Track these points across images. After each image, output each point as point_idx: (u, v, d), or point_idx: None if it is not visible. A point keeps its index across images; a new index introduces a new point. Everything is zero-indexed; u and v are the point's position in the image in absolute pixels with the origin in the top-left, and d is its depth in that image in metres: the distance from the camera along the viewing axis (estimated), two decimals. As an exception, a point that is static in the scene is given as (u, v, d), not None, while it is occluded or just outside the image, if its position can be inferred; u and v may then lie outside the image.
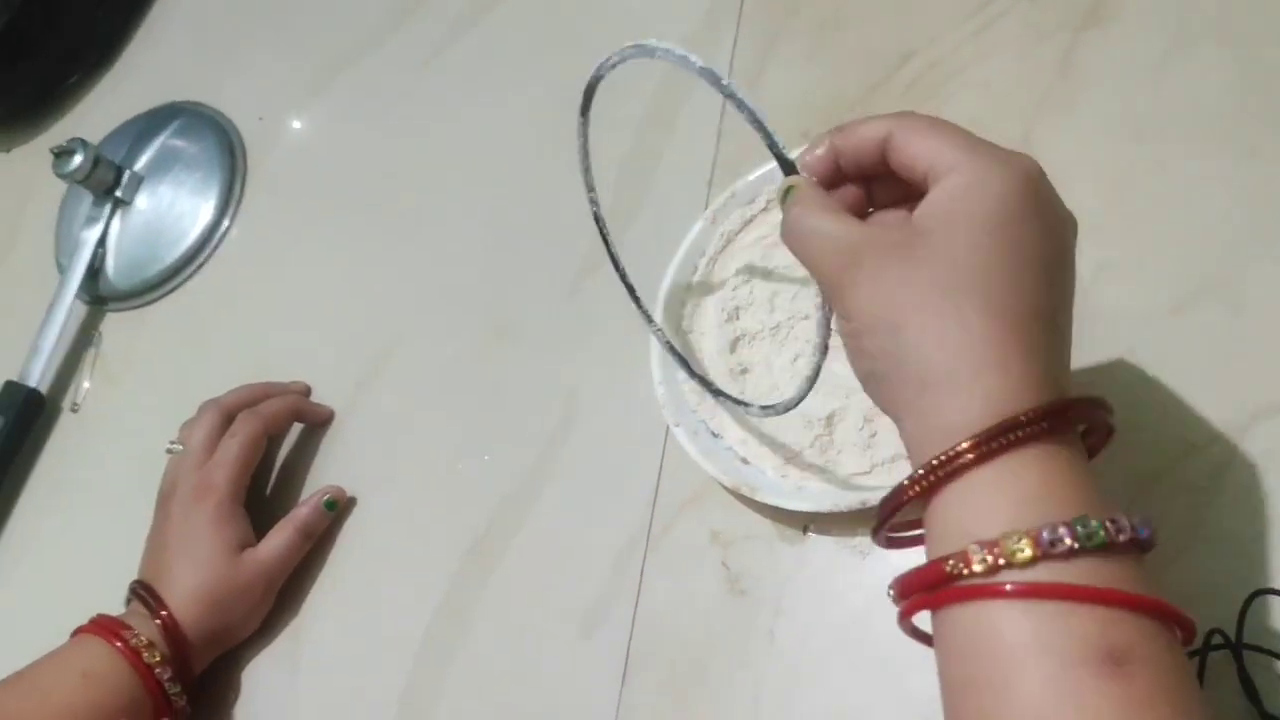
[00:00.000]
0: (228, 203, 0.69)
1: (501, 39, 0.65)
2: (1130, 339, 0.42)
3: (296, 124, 0.71)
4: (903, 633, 0.30)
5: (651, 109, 0.58)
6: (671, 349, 0.47)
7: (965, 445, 0.27)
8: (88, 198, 0.70)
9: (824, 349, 0.38)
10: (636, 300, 0.48)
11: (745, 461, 0.46)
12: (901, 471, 0.42)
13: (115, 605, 0.51)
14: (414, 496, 0.54)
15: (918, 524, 0.30)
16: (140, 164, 0.71)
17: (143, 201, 0.70)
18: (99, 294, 0.69)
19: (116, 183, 0.70)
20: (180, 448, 0.55)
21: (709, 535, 0.46)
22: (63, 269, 0.70)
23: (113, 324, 0.69)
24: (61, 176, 0.68)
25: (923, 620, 0.30)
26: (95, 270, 0.69)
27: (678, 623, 0.45)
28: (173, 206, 0.70)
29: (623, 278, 0.48)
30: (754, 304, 0.49)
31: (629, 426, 0.50)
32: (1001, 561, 0.26)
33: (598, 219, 0.48)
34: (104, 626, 0.49)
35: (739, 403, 0.45)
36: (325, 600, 0.53)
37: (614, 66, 0.42)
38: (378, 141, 0.66)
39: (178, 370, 0.65)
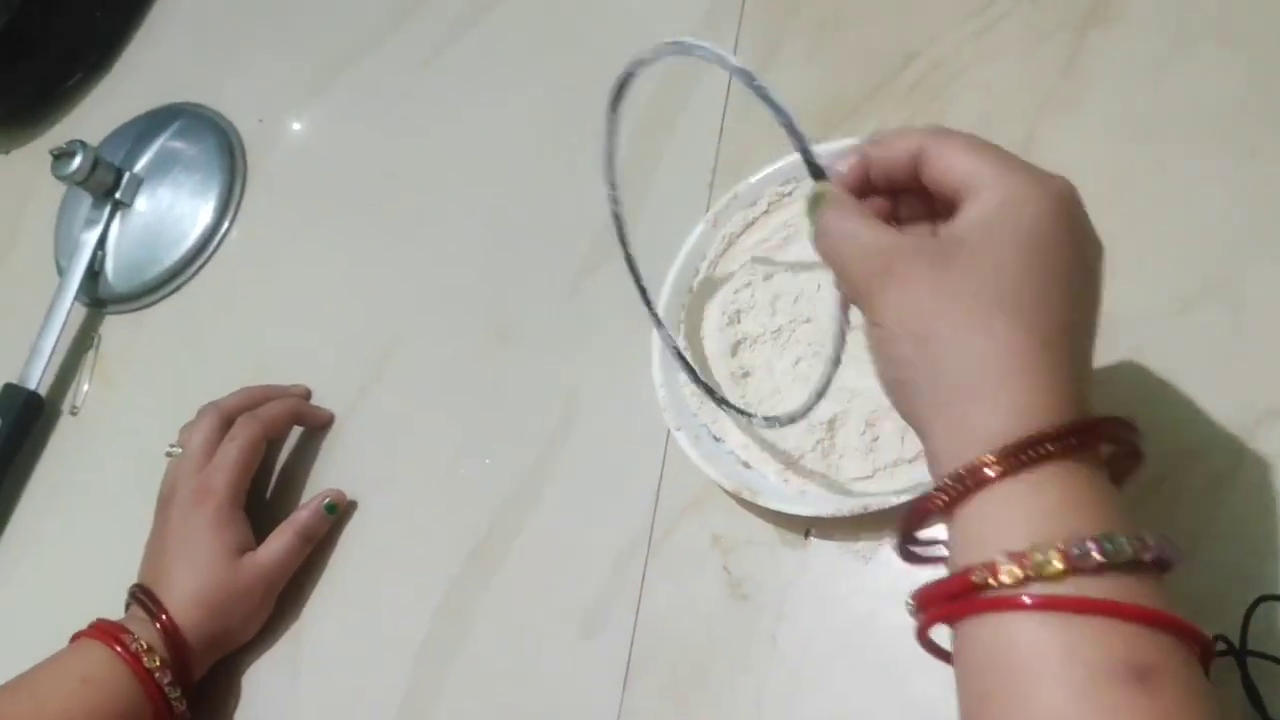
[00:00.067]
0: (227, 204, 0.68)
1: (501, 39, 0.65)
2: (1132, 341, 0.41)
3: (296, 125, 0.71)
4: (921, 647, 0.30)
5: (652, 110, 0.58)
6: (679, 355, 0.47)
7: (993, 457, 0.27)
8: (87, 199, 0.70)
9: (837, 361, 0.38)
10: (648, 303, 0.48)
11: (747, 465, 0.46)
12: (903, 476, 0.43)
13: (115, 609, 0.51)
14: (414, 500, 0.54)
15: (936, 542, 0.30)
16: (140, 166, 0.71)
17: (142, 203, 0.70)
18: (98, 296, 0.69)
19: (116, 184, 0.69)
20: (180, 451, 0.55)
21: (710, 539, 0.46)
22: (62, 271, 0.70)
23: (112, 326, 0.69)
24: (61, 178, 0.67)
25: (937, 635, 0.30)
26: (95, 272, 0.69)
27: (679, 627, 0.45)
28: (172, 208, 0.69)
29: (636, 280, 0.47)
30: (755, 307, 0.49)
31: (630, 429, 0.50)
32: (1030, 574, 0.26)
33: (617, 218, 0.47)
34: (104, 631, 0.49)
35: (742, 413, 0.45)
36: (325, 604, 0.53)
37: (648, 63, 0.41)
38: (377, 142, 0.66)
39: (177, 373, 0.65)
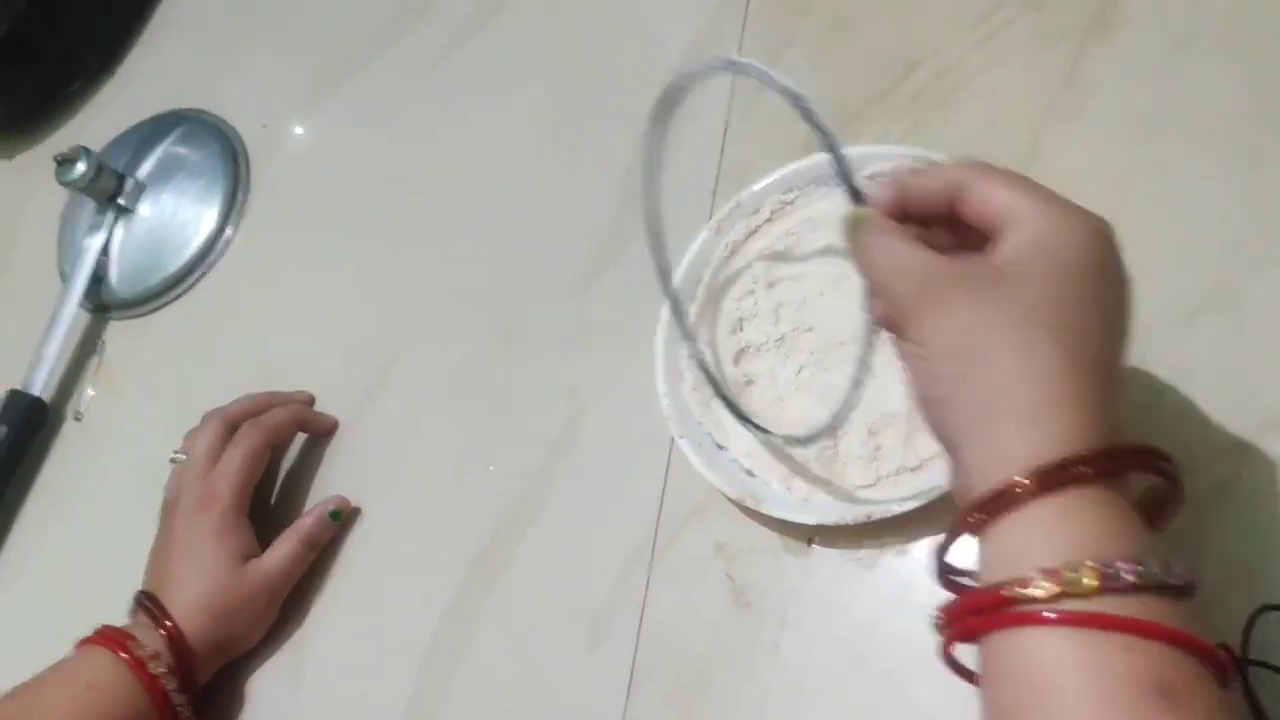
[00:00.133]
0: (231, 210, 0.68)
1: (506, 43, 0.65)
2: (1134, 347, 0.41)
3: (299, 130, 0.71)
4: (944, 663, 0.31)
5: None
6: (707, 373, 0.47)
7: (1030, 477, 0.28)
8: (90, 205, 0.70)
9: (861, 384, 0.39)
10: (680, 318, 0.48)
11: (750, 473, 0.46)
12: (906, 484, 0.43)
13: (119, 616, 0.52)
14: (418, 506, 0.54)
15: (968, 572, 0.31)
16: (143, 171, 0.71)
17: (145, 209, 0.70)
18: (102, 302, 0.69)
19: (119, 190, 0.69)
20: (184, 457, 0.55)
21: (714, 547, 0.46)
22: (65, 277, 0.70)
23: (116, 332, 0.69)
24: (64, 184, 0.67)
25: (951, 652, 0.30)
26: (98, 278, 0.69)
27: (683, 634, 0.45)
28: (176, 214, 0.69)
29: (670, 297, 0.48)
30: (759, 315, 0.49)
31: (633, 437, 0.50)
32: (1063, 590, 0.26)
33: (654, 234, 0.47)
34: (109, 637, 0.49)
35: (765, 431, 0.45)
36: (330, 611, 0.53)
37: (697, 77, 0.42)
38: (381, 147, 0.66)
39: (181, 379, 0.65)
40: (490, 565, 0.51)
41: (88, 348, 0.69)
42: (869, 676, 0.42)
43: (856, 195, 0.35)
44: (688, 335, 0.48)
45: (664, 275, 0.48)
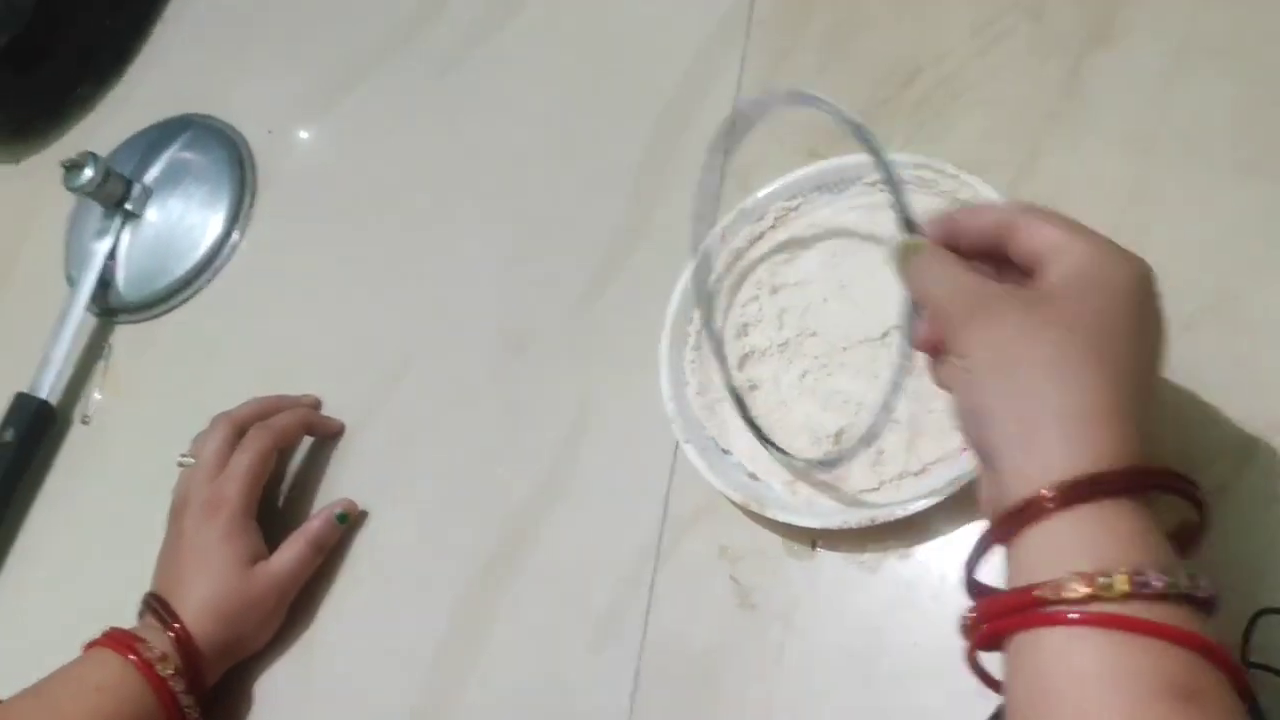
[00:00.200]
0: (237, 215, 0.69)
1: (514, 50, 0.65)
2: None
3: (305, 136, 0.71)
4: (967, 668, 0.32)
5: (659, 124, 0.58)
6: (736, 396, 0.47)
7: (1067, 487, 0.29)
8: (97, 210, 0.71)
9: (887, 410, 0.41)
10: (718, 348, 0.48)
11: (754, 477, 0.46)
12: (909, 488, 0.43)
13: (128, 618, 0.52)
14: (425, 510, 0.55)
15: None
16: (150, 176, 0.72)
17: (152, 214, 0.71)
18: (109, 306, 0.70)
19: (126, 195, 0.70)
20: (192, 461, 0.56)
21: (718, 550, 0.47)
22: (73, 281, 0.70)
23: (123, 336, 0.69)
24: (72, 189, 0.68)
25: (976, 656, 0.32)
26: (105, 282, 0.69)
27: (688, 637, 0.46)
28: (183, 219, 0.70)
29: (713, 336, 0.49)
30: (762, 320, 0.49)
31: (639, 441, 0.50)
32: (1096, 593, 0.28)
33: (700, 254, 0.49)
34: (117, 640, 0.49)
35: (788, 455, 0.45)
36: (337, 612, 0.54)
37: (762, 107, 0.44)
38: (387, 154, 0.67)
39: (188, 383, 0.65)
40: (496, 568, 0.51)
41: (95, 351, 0.69)
42: (873, 679, 0.42)
43: (910, 225, 0.37)
44: (721, 357, 0.48)
45: (705, 303, 0.49)
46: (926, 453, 0.43)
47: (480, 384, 0.56)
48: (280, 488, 0.58)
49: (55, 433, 0.67)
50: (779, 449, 0.45)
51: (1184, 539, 0.32)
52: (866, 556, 0.44)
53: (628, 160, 0.58)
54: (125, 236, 0.70)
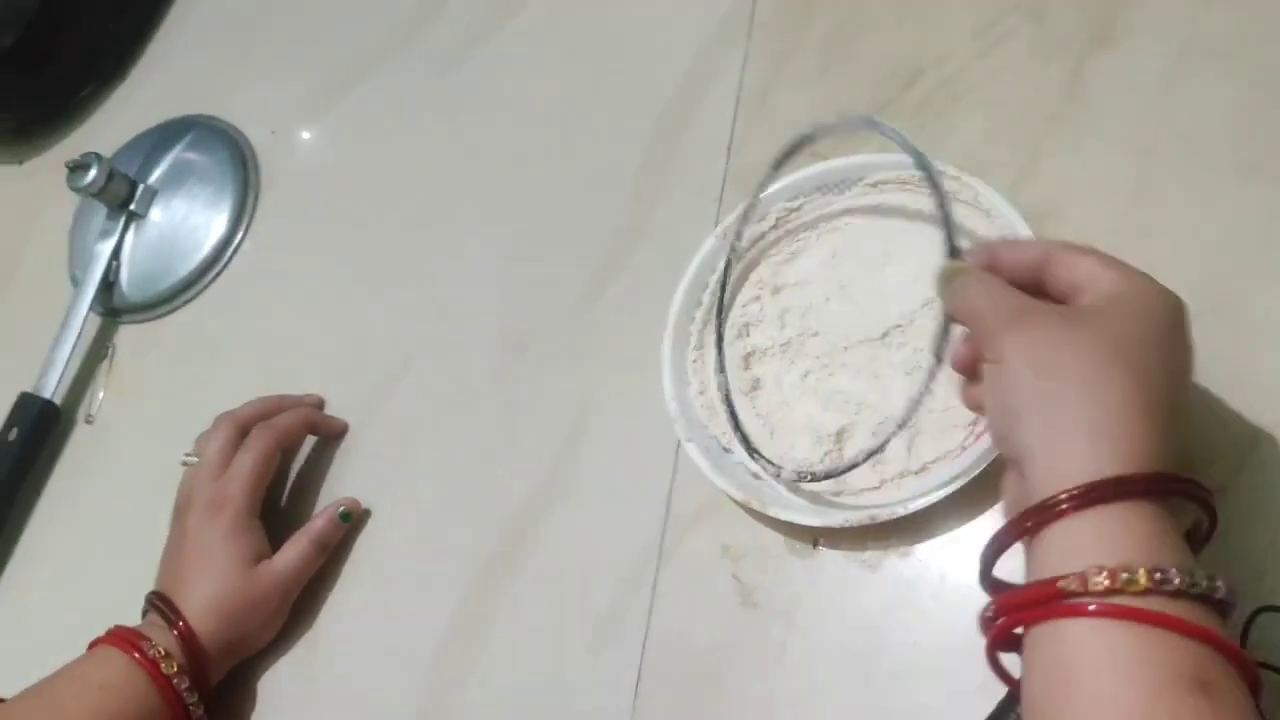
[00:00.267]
0: (241, 215, 0.69)
1: (515, 50, 0.65)
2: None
3: (308, 136, 0.72)
4: (987, 662, 0.33)
5: (661, 125, 0.58)
6: (728, 403, 0.48)
7: (1090, 488, 0.30)
8: (102, 211, 0.71)
9: (905, 425, 0.42)
10: (717, 355, 0.49)
11: (756, 476, 0.47)
12: (909, 487, 0.44)
13: (132, 617, 0.52)
14: (428, 508, 0.55)
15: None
16: (154, 177, 0.72)
17: (156, 214, 0.71)
18: (113, 306, 0.70)
19: (130, 196, 0.70)
20: (195, 460, 0.56)
21: (720, 549, 0.47)
22: (76, 281, 0.70)
23: (127, 336, 0.69)
24: (76, 190, 0.68)
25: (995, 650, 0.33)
26: (109, 282, 0.69)
27: (690, 635, 0.46)
28: (186, 219, 0.70)
29: (718, 340, 0.49)
30: (764, 320, 0.50)
31: (641, 440, 0.51)
32: (1117, 586, 0.29)
33: (729, 264, 0.50)
34: (121, 638, 0.49)
35: (771, 464, 0.46)
36: (340, 611, 0.54)
37: (830, 130, 0.46)
38: (389, 154, 0.67)
39: (192, 382, 0.66)
40: (499, 567, 0.51)
41: (99, 351, 0.69)
42: (874, 677, 0.42)
43: (955, 252, 0.39)
44: (720, 368, 0.49)
45: (717, 315, 0.50)
46: (927, 452, 0.44)
47: (481, 384, 0.57)
48: (283, 487, 0.58)
49: (59, 432, 0.67)
50: (769, 460, 0.46)
51: (1192, 540, 0.33)
52: (868, 555, 0.44)
53: (628, 160, 0.58)
54: (129, 237, 0.71)
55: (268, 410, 0.57)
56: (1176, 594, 0.29)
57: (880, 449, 0.43)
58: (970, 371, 0.37)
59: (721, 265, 0.50)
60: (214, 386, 0.63)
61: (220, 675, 0.52)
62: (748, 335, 0.50)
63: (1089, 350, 0.32)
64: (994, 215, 0.45)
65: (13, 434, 0.65)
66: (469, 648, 0.50)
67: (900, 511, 0.42)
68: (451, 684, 0.50)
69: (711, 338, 0.49)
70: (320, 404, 0.60)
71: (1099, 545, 0.30)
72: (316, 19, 0.74)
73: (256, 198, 0.70)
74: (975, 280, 0.37)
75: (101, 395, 0.68)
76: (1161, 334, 0.33)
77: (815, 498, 0.45)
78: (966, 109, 0.51)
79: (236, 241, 0.69)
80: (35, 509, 0.66)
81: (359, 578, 0.54)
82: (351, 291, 0.64)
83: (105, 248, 0.70)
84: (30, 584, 0.64)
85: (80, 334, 0.67)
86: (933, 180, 0.41)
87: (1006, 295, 0.36)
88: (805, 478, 0.44)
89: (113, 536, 0.63)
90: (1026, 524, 0.32)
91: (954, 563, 0.43)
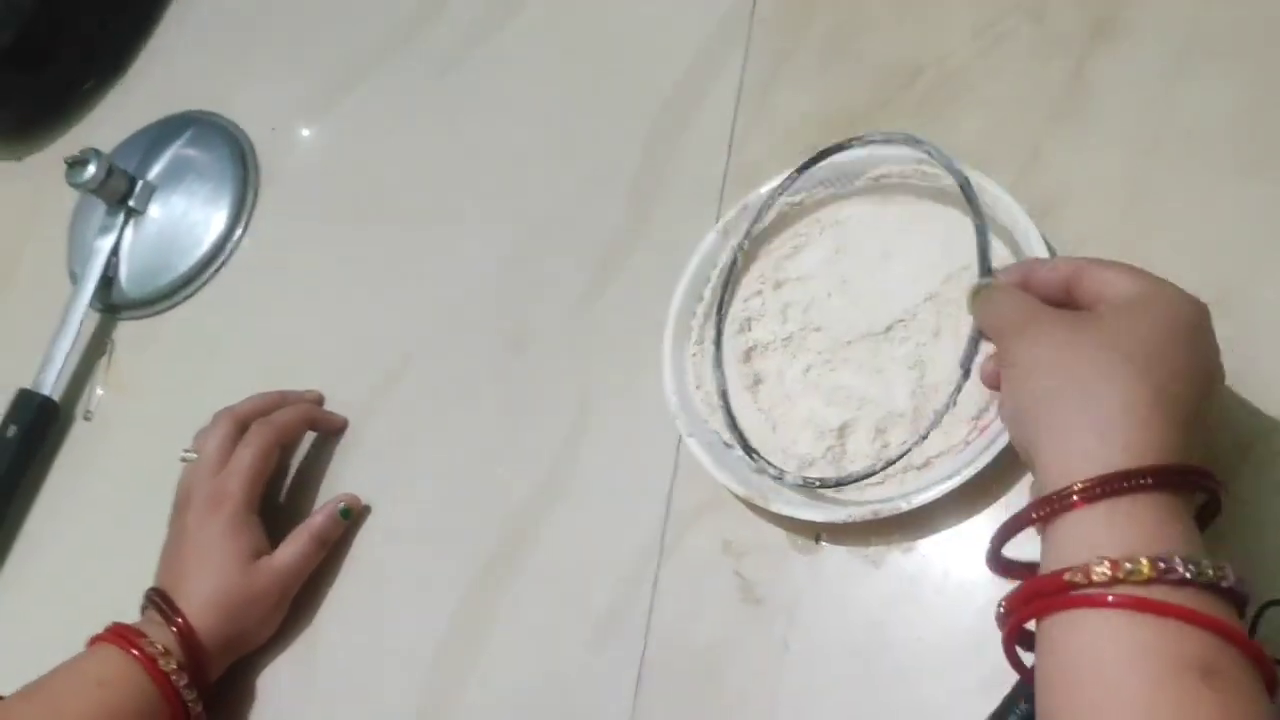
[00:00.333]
0: (240, 212, 0.69)
1: (515, 49, 0.65)
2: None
3: (308, 134, 0.72)
4: (1005, 656, 0.33)
5: (661, 123, 0.58)
6: (725, 402, 0.48)
7: (1097, 481, 0.31)
8: (101, 207, 0.71)
9: (923, 438, 0.42)
10: (716, 352, 0.49)
11: (759, 472, 0.46)
12: (912, 482, 0.43)
13: (130, 613, 0.52)
14: (429, 505, 0.55)
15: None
16: (153, 173, 0.72)
17: (155, 211, 0.71)
18: (112, 302, 0.70)
19: (129, 192, 0.70)
20: (194, 456, 0.56)
21: (722, 545, 0.47)
22: (75, 278, 0.70)
23: (126, 332, 0.69)
24: (75, 186, 0.68)
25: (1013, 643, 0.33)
26: (108, 279, 0.69)
27: (692, 632, 0.46)
28: (185, 216, 0.70)
29: (717, 336, 0.50)
30: (766, 315, 0.50)
31: (641, 436, 0.51)
32: (1119, 576, 0.29)
33: (735, 261, 0.50)
34: (120, 634, 0.49)
35: (772, 466, 0.45)
36: (340, 607, 0.54)
37: (872, 143, 0.47)
38: (389, 151, 0.67)
39: (191, 378, 0.65)
40: (500, 563, 0.51)
41: (97, 348, 0.69)
42: (877, 672, 0.42)
43: (988, 272, 0.41)
44: (717, 364, 0.49)
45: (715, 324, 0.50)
46: (930, 447, 0.43)
47: (482, 381, 0.56)
48: (283, 483, 0.58)
49: (58, 429, 0.67)
50: (768, 462, 0.46)
51: (1203, 515, 0.34)
52: (870, 550, 0.44)
53: (628, 158, 0.58)
54: (128, 233, 0.70)
55: (267, 406, 0.57)
56: (1182, 583, 0.29)
57: (899, 459, 0.43)
58: (996, 384, 0.38)
59: (726, 262, 0.50)
60: (213, 383, 0.63)
61: (219, 672, 0.52)
62: (749, 330, 0.50)
63: (1092, 350, 0.33)
64: (1019, 237, 0.44)
65: (11, 430, 0.65)
66: (469, 646, 0.50)
67: (904, 506, 0.42)
68: (451, 682, 0.50)
69: (711, 333, 0.49)
70: (320, 400, 0.60)
71: (1104, 536, 0.30)
72: (317, 17, 0.74)
73: (256, 195, 0.70)
74: (999, 294, 0.38)
75: (100, 392, 0.68)
76: (1178, 335, 0.34)
77: (818, 493, 0.45)
78: (967, 108, 0.51)
79: (236, 238, 0.69)
80: (34, 506, 0.66)
81: (359, 575, 0.54)
82: (351, 288, 0.64)
83: (104, 244, 0.70)
84: (29, 581, 0.64)
85: (79, 330, 0.67)
86: (972, 202, 0.42)
87: (1025, 300, 0.37)
88: (814, 484, 0.44)
89: (111, 533, 0.62)
90: (1033, 515, 0.32)
91: (957, 558, 0.43)
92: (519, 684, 0.48)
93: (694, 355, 0.50)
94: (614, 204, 0.57)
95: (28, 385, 0.66)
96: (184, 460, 0.56)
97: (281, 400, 0.58)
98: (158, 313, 0.69)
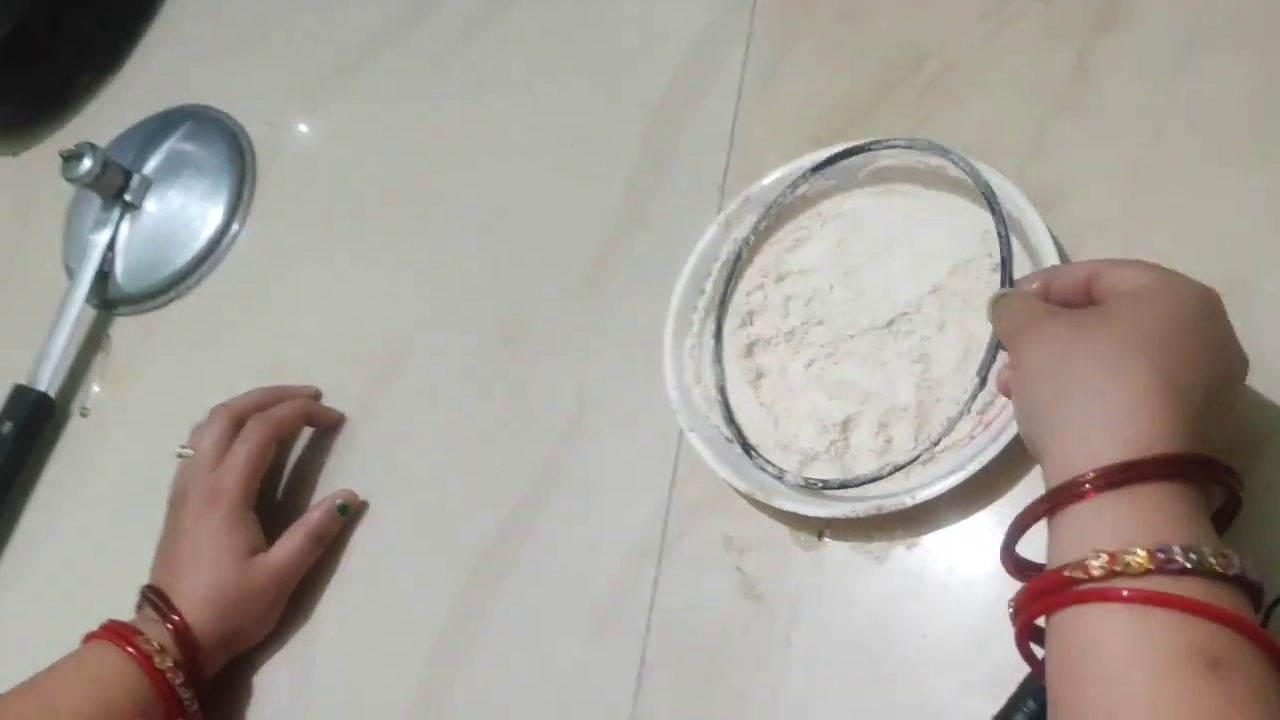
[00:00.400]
0: (237, 207, 0.68)
1: (512, 40, 0.65)
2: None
3: (304, 128, 0.71)
4: (1019, 653, 0.33)
5: (662, 113, 0.58)
6: (724, 404, 0.47)
7: (1096, 474, 0.31)
8: (96, 201, 0.70)
9: (934, 444, 0.42)
10: (717, 338, 0.49)
11: (762, 469, 0.46)
12: (916, 477, 0.43)
13: (126, 610, 0.51)
14: (426, 500, 0.54)
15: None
16: (149, 167, 0.71)
17: (152, 205, 0.70)
18: (108, 297, 0.69)
19: (125, 186, 0.69)
20: (191, 452, 0.55)
21: (723, 540, 0.46)
22: (71, 272, 0.70)
23: (122, 328, 0.69)
24: (70, 180, 0.67)
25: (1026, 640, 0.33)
26: (104, 274, 0.69)
27: (693, 628, 0.45)
28: (182, 210, 0.69)
29: (717, 331, 0.49)
30: (768, 309, 0.49)
31: (642, 430, 0.50)
32: (1118, 569, 0.29)
33: (737, 258, 0.50)
34: (115, 632, 0.49)
35: (775, 466, 0.45)
36: (337, 604, 0.53)
37: (892, 148, 0.46)
38: (386, 144, 0.66)
39: (187, 374, 0.65)
40: (499, 558, 0.51)
41: (94, 343, 0.69)
42: (881, 668, 0.42)
43: (1010, 281, 0.41)
44: (717, 363, 0.48)
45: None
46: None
47: (481, 373, 0.56)
48: (279, 479, 0.58)
49: (54, 425, 0.67)
50: (768, 461, 0.45)
51: (1216, 523, 0.33)
52: (874, 546, 0.44)
53: (629, 149, 0.57)
54: (124, 228, 0.70)
55: (264, 402, 0.57)
56: (1183, 573, 0.29)
57: (911, 463, 0.42)
58: (1009, 391, 0.38)
59: (728, 256, 0.50)
60: (209, 378, 0.63)
61: (215, 669, 0.51)
62: (751, 324, 0.49)
63: (1095, 346, 0.33)
64: (1025, 227, 0.44)
65: (7, 427, 0.64)
66: (469, 639, 0.50)
67: (908, 502, 0.41)
68: (451, 675, 0.49)
69: (711, 328, 0.49)
70: (317, 395, 0.59)
71: (1104, 530, 0.30)
72: (313, 10, 0.74)
73: (253, 189, 0.69)
74: (1015, 299, 0.38)
75: (96, 387, 0.67)
76: (1187, 324, 0.33)
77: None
78: (973, 92, 0.50)
79: (232, 233, 0.68)
80: (30, 502, 0.65)
81: (356, 571, 0.54)
82: (348, 282, 0.63)
83: (100, 238, 0.69)
84: (25, 577, 0.63)
85: (75, 326, 0.67)
86: (996, 212, 0.42)
87: (1033, 305, 0.37)
88: (816, 485, 0.44)
89: (107, 529, 0.62)
90: (1038, 510, 0.32)
91: (961, 554, 0.42)
92: (520, 677, 0.48)
93: (693, 347, 0.49)
94: (614, 196, 0.57)
95: (23, 381, 0.65)
96: (180, 456, 0.56)
97: (278, 396, 0.58)
98: (154, 308, 0.68)
